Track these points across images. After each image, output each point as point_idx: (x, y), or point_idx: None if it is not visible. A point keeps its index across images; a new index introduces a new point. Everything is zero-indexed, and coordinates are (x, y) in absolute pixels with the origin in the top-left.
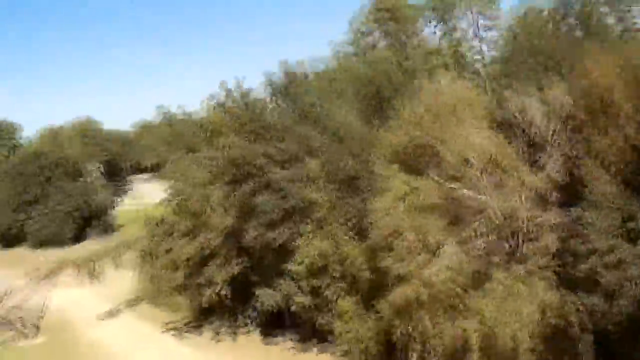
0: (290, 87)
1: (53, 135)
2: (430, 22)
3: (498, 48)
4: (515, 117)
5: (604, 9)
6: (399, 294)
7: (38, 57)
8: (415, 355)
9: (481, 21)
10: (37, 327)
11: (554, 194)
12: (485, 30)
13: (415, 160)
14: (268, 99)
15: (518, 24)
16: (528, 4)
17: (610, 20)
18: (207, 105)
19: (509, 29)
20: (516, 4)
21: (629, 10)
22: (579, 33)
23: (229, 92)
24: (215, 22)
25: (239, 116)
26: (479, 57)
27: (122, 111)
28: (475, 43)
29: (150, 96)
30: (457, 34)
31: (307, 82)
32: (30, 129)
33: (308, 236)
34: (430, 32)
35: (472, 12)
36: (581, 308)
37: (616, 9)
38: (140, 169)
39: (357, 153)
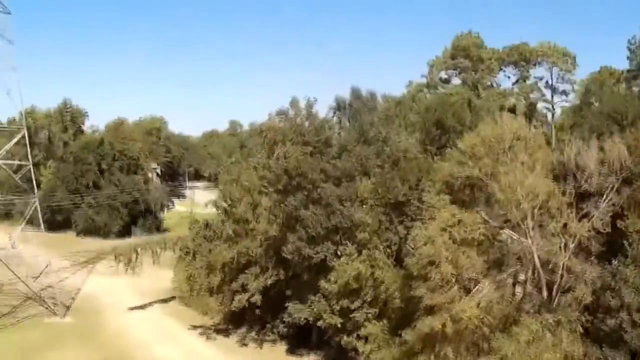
0: (355, 108)
1: (118, 127)
2: (505, 66)
3: (569, 100)
4: (569, 163)
5: None
6: (426, 324)
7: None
8: None
9: (555, 73)
10: (68, 308)
11: (596, 244)
12: (558, 82)
13: (466, 194)
14: (333, 118)
15: (591, 79)
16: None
17: None
18: (272, 116)
19: (581, 83)
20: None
21: None
22: None
23: (297, 107)
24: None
25: (299, 127)
26: (548, 105)
27: (195, 120)
28: (547, 92)
29: (228, 111)
30: (530, 82)
31: (373, 106)
32: (100, 120)
33: (349, 257)
34: (505, 76)
35: (547, 63)
36: None
37: None
38: (199, 176)
39: (410, 179)
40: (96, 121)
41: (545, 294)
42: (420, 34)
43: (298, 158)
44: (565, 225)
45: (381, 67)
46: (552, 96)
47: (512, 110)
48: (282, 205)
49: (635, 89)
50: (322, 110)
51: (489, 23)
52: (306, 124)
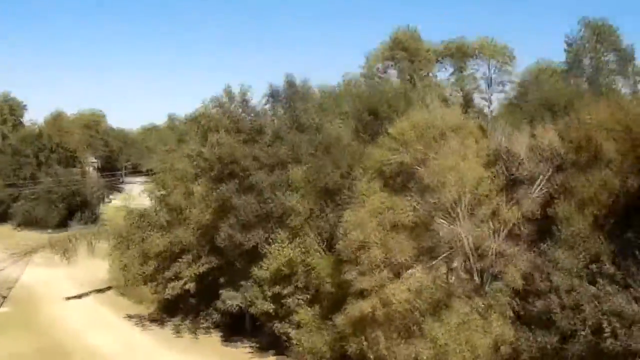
0: (289, 96)
1: (56, 119)
2: (443, 59)
3: (506, 92)
4: (500, 149)
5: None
6: (356, 308)
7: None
8: None
9: (493, 66)
10: (4, 298)
11: (525, 230)
12: (495, 74)
13: (397, 180)
14: (268, 106)
15: (527, 73)
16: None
17: (620, 84)
18: (207, 105)
19: (517, 76)
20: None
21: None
22: (585, 87)
23: (230, 95)
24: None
25: (233, 115)
26: (485, 96)
27: (134, 114)
28: (484, 86)
29: (166, 105)
30: (468, 75)
31: (307, 94)
32: (39, 112)
33: (281, 243)
34: (442, 69)
35: (484, 56)
36: (535, 346)
37: (625, 70)
38: (137, 172)
39: (342, 166)
40: (36, 114)
41: (476, 279)
42: (361, 30)
43: (231, 145)
44: (494, 212)
45: (321, 62)
46: (489, 88)
47: (449, 101)
48: (214, 192)
49: (572, 80)
50: (258, 98)
51: (429, 19)
52: (240, 111)
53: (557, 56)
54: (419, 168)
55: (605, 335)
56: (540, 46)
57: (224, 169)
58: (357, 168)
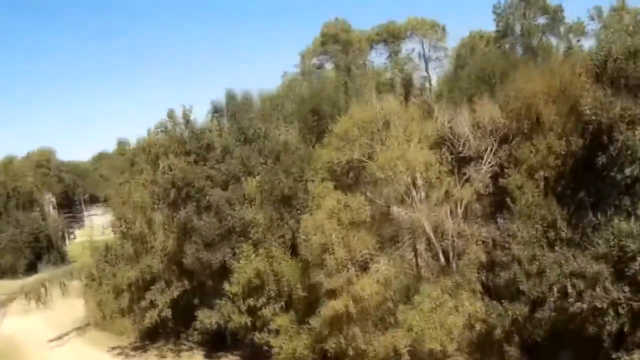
0: (233, 110)
1: (7, 166)
2: (376, 44)
3: (443, 67)
4: (443, 130)
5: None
6: (329, 308)
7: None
8: None
9: (427, 44)
10: None
11: (480, 206)
12: (430, 52)
13: (349, 177)
14: (213, 123)
15: (462, 46)
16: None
17: (553, 40)
18: (153, 132)
19: (453, 51)
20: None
21: (569, 32)
22: (520, 52)
23: (174, 117)
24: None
25: (180, 138)
26: (425, 75)
27: (84, 144)
28: (422, 64)
29: (114, 130)
30: (404, 57)
31: (250, 105)
32: None
33: (247, 257)
34: (377, 55)
35: (417, 36)
36: (507, 318)
37: (557, 30)
38: (95, 201)
39: (293, 171)
40: None
41: (442, 260)
42: (293, 26)
43: (183, 168)
44: (447, 192)
45: (258, 64)
46: (427, 66)
47: (390, 85)
48: (174, 218)
49: (505, 46)
50: (202, 116)
51: (356, 8)
52: (186, 132)
53: (488, 26)
54: (368, 162)
55: (570, 298)
56: (470, 19)
57: (180, 193)
58: (309, 170)
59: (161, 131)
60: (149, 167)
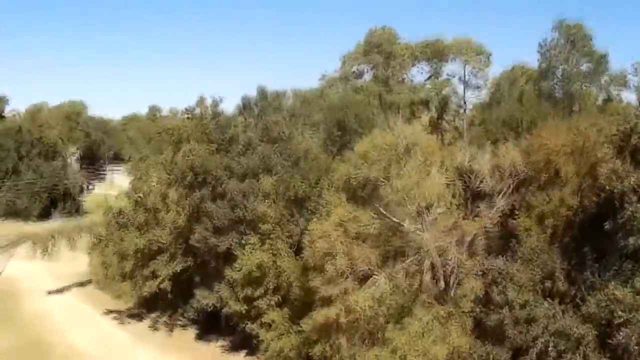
0: (261, 107)
1: (35, 114)
2: (419, 62)
3: (481, 96)
4: (462, 167)
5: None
6: (321, 315)
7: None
8: None
9: (469, 69)
10: None
11: (486, 242)
12: (471, 78)
13: (363, 192)
14: (239, 117)
15: (503, 77)
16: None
17: (594, 89)
18: (178, 114)
19: (493, 80)
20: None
21: (611, 82)
22: (559, 95)
23: (203, 106)
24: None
25: (205, 126)
26: (460, 101)
27: (119, 104)
28: (460, 88)
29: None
30: (443, 78)
31: (280, 104)
32: (23, 103)
33: (252, 247)
34: (418, 72)
35: (461, 59)
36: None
37: (597, 79)
38: (119, 159)
39: (310, 178)
40: (18, 105)
41: (442, 285)
42: (339, 28)
43: (203, 155)
44: (456, 222)
45: (300, 63)
46: (465, 92)
47: (424, 103)
48: (187, 198)
49: (544, 87)
50: (232, 107)
51: (406, 16)
52: (212, 122)
53: (533, 57)
54: (383, 182)
55: (549, 357)
56: (516, 47)
57: (197, 178)
58: (325, 180)
59: (187, 118)
60: (170, 148)
